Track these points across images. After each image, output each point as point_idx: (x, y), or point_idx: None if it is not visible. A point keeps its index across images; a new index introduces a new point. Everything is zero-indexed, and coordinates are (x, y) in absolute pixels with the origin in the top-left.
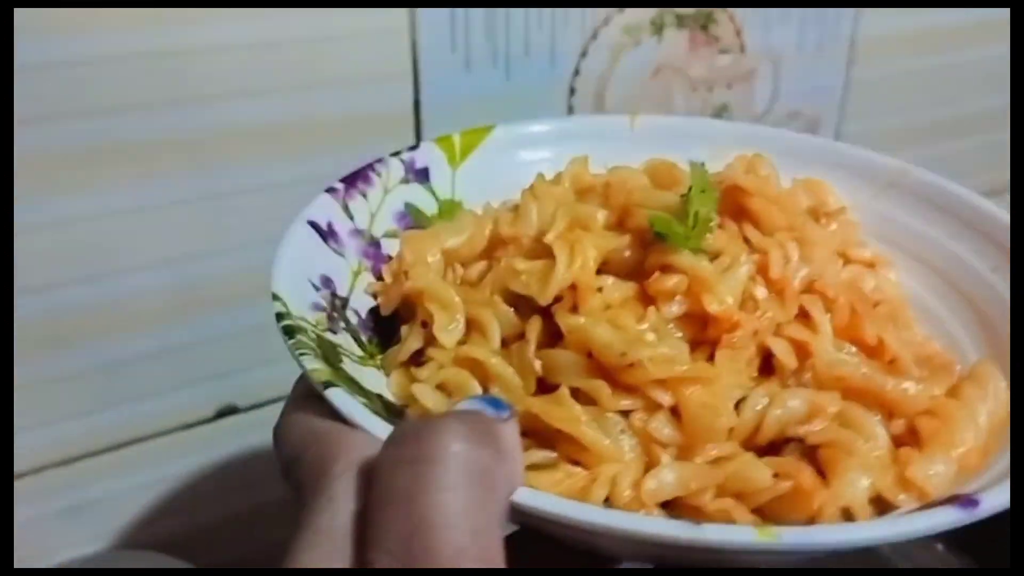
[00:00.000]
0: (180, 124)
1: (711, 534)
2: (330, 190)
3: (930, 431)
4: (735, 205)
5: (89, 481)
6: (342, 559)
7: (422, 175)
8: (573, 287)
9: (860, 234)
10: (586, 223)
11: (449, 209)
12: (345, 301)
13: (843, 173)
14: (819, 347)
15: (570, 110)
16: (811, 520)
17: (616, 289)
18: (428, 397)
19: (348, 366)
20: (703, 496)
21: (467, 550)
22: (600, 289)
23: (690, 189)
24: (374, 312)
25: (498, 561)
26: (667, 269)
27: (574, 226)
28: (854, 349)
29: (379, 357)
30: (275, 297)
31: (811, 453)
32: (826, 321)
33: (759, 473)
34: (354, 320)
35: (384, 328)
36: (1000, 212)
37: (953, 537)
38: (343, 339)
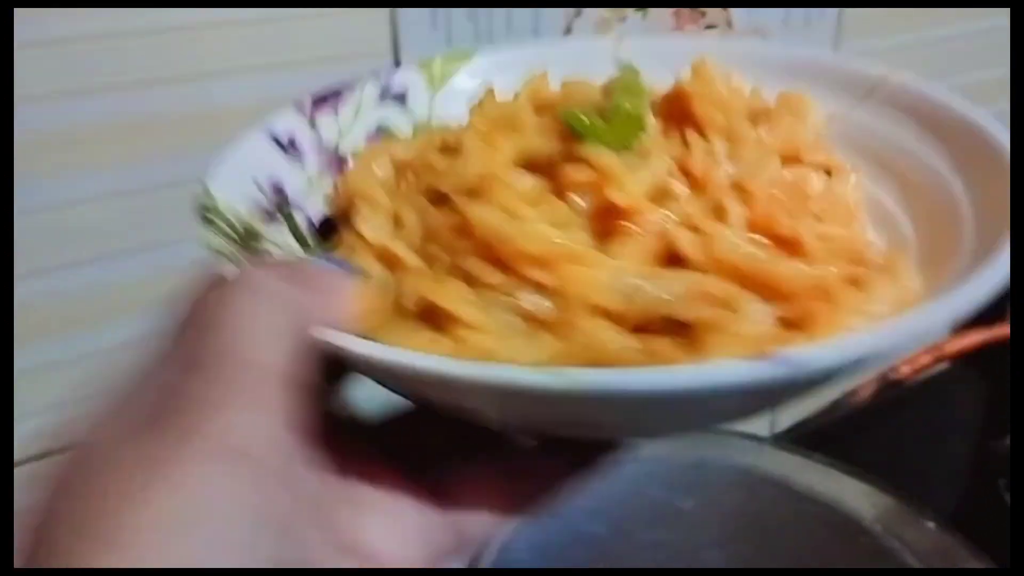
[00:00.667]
0: (156, 106)
1: (489, 372)
2: (298, 105)
3: (820, 312)
4: (680, 110)
5: None
6: (128, 413)
7: (399, 98)
8: (490, 180)
9: (825, 142)
10: (514, 124)
11: (424, 132)
12: (294, 205)
13: (826, 84)
14: (720, 235)
15: None
16: None
17: (529, 183)
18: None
19: (275, 253)
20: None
21: (254, 359)
22: (508, 182)
23: (612, 90)
24: (328, 221)
25: (285, 375)
26: (578, 163)
27: (500, 126)
28: (765, 240)
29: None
30: (204, 189)
31: (689, 333)
32: (737, 212)
33: (617, 343)
34: (301, 222)
35: (335, 231)
36: (969, 111)
37: (944, 515)
38: (279, 235)
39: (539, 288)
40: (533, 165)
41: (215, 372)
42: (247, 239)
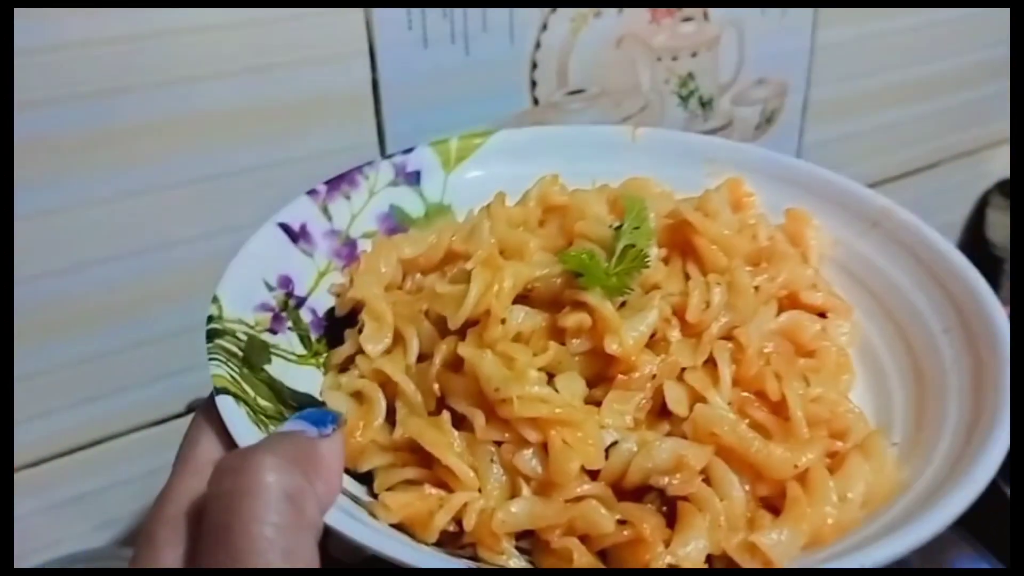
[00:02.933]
0: (130, 113)
1: None
2: (311, 192)
3: (792, 498)
4: (684, 240)
5: (85, 473)
6: None
7: (412, 178)
8: (488, 314)
9: (824, 276)
10: (520, 250)
11: (437, 213)
12: (302, 300)
13: (833, 206)
14: (712, 398)
15: (533, 85)
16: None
17: (528, 320)
18: (338, 403)
19: (277, 366)
20: (551, 533)
21: (279, 567)
22: (504, 320)
23: (620, 225)
24: (333, 311)
25: (314, 562)
26: (577, 306)
27: (506, 252)
28: (756, 402)
29: (324, 356)
30: (214, 300)
31: (673, 503)
32: (727, 372)
33: (603, 518)
34: (308, 319)
35: (342, 326)
36: (967, 269)
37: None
38: (285, 339)
39: (529, 445)
40: (534, 295)
41: None
42: (251, 353)
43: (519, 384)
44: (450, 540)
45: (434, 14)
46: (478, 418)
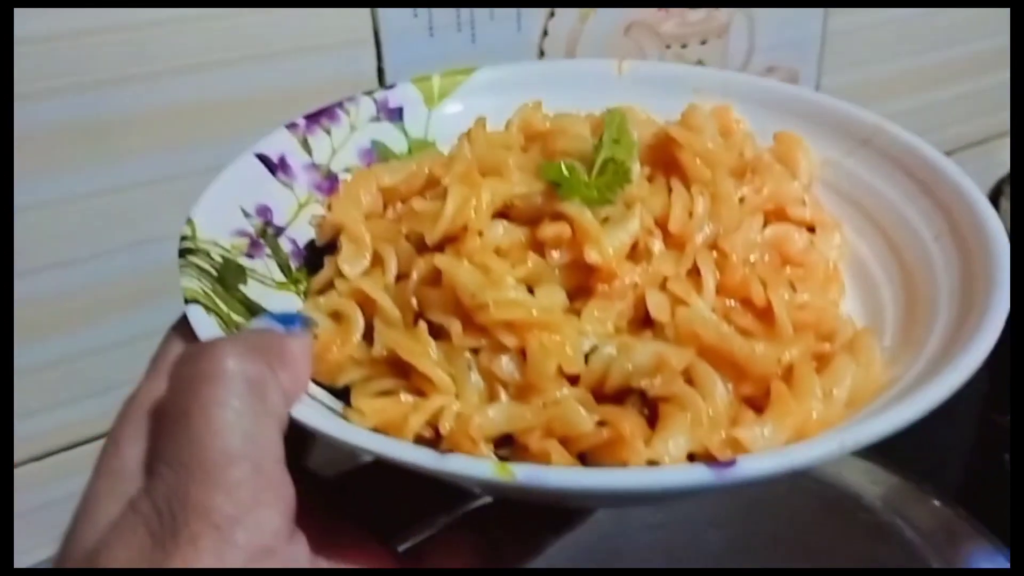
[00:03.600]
0: (135, 102)
1: (452, 464)
2: (290, 125)
3: (776, 394)
4: (667, 157)
5: (84, 470)
6: (130, 489)
7: (395, 114)
8: (466, 229)
9: (814, 193)
10: (498, 168)
11: (420, 148)
12: (280, 229)
13: (822, 127)
14: (695, 303)
15: None
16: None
17: (508, 234)
18: (315, 322)
19: (254, 288)
20: (530, 436)
21: (238, 453)
22: (480, 233)
23: (601, 137)
24: (314, 245)
25: (270, 462)
26: (556, 217)
27: (485, 172)
28: (737, 306)
29: (304, 284)
30: (188, 221)
31: (655, 405)
32: (711, 278)
33: (581, 418)
34: (288, 248)
35: (322, 256)
36: (958, 176)
37: (949, 491)
38: (263, 264)
39: (506, 351)
40: (514, 212)
41: (217, 476)
42: (226, 274)
43: (495, 289)
44: (428, 447)
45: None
46: (454, 325)
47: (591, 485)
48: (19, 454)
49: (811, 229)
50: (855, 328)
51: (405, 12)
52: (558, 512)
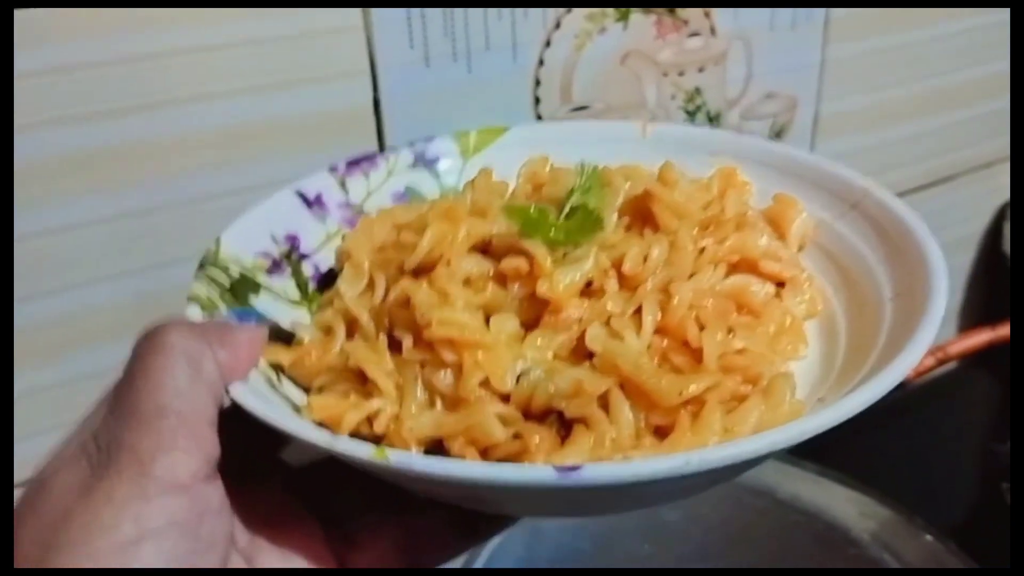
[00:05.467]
0: (131, 133)
1: (340, 445)
2: (332, 168)
3: (678, 426)
4: (645, 208)
5: None
6: (86, 434)
7: (431, 163)
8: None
9: (792, 251)
10: (485, 210)
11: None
12: (305, 256)
13: (820, 190)
14: (629, 338)
15: (536, 101)
16: None
17: (476, 267)
18: (304, 333)
19: (265, 301)
20: (453, 441)
21: (167, 407)
22: (449, 263)
23: (572, 190)
24: (332, 272)
25: (196, 418)
26: (519, 253)
27: (476, 212)
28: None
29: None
30: (215, 240)
31: (571, 425)
32: (651, 318)
33: (495, 428)
34: (310, 272)
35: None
36: (924, 239)
37: (946, 524)
38: (280, 283)
39: (445, 365)
40: (492, 249)
41: (148, 423)
42: (239, 286)
43: (441, 309)
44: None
45: (435, 32)
46: (406, 339)
47: (448, 473)
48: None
49: (782, 284)
50: (785, 375)
51: (401, 43)
52: (482, 519)
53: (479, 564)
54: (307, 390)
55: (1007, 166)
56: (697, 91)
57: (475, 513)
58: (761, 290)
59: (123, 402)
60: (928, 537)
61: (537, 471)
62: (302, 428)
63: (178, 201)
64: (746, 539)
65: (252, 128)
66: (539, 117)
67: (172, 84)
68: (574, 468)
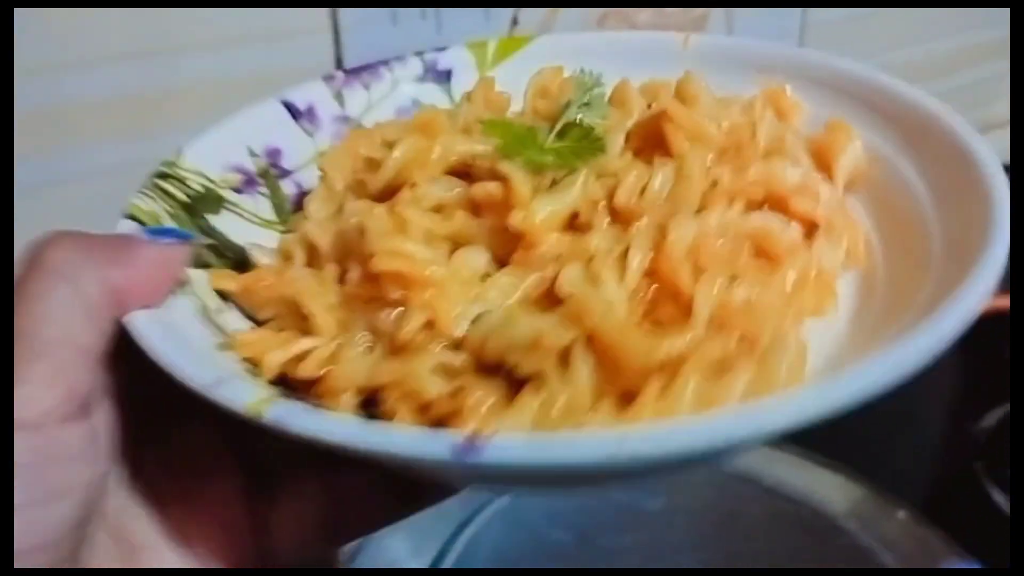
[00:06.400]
0: (84, 89)
1: (220, 392)
2: (327, 78)
3: (643, 394)
4: (659, 131)
5: None
6: None
7: (443, 76)
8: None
9: (837, 190)
10: (471, 127)
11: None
12: (287, 172)
13: (885, 118)
14: (608, 283)
15: None
16: None
17: (444, 188)
18: (262, 257)
19: (227, 220)
20: (388, 393)
21: (23, 331)
22: (413, 185)
23: (568, 102)
24: None
25: (59, 344)
26: (495, 177)
27: (466, 128)
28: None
29: None
30: (176, 150)
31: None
32: (637, 259)
33: (428, 383)
34: (290, 190)
35: None
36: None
37: (917, 502)
38: (251, 201)
39: (392, 304)
40: (474, 171)
41: (14, 349)
42: (197, 203)
43: (390, 239)
44: (303, 388)
45: None
46: (354, 271)
47: (325, 436)
48: None
49: (816, 228)
50: (792, 339)
51: None
52: (417, 488)
53: (453, 555)
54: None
55: (993, 135)
56: None
57: (409, 480)
58: (786, 233)
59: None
60: (902, 515)
61: (428, 444)
62: (185, 366)
63: (130, 162)
64: (732, 527)
65: (207, 86)
66: None
67: (115, 39)
68: (474, 444)
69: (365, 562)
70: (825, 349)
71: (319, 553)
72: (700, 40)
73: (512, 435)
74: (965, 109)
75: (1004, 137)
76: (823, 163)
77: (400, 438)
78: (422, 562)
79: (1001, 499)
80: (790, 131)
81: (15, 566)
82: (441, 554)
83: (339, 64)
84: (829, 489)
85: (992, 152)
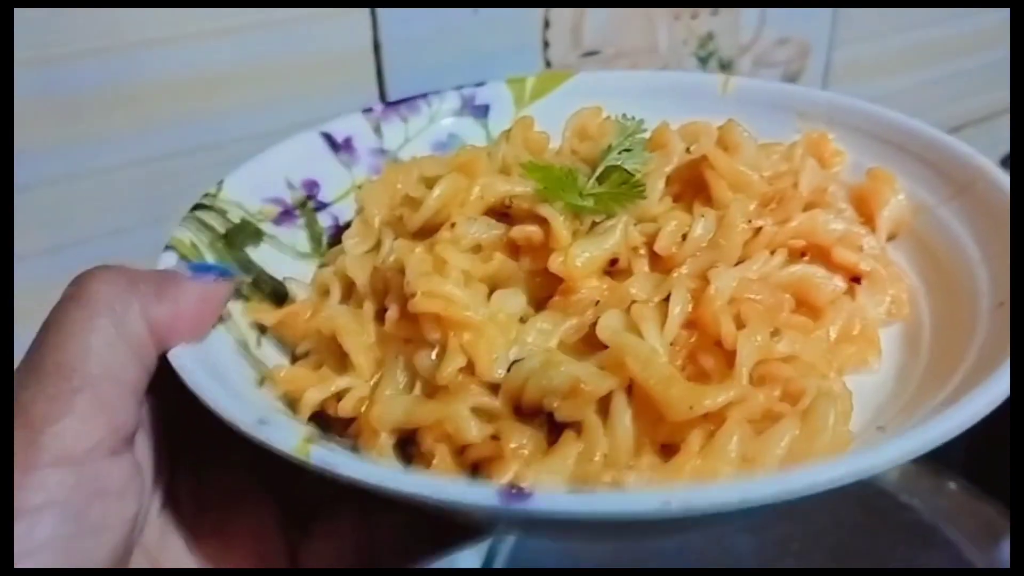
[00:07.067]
0: (118, 76)
1: (263, 432)
2: (366, 110)
3: (685, 445)
4: (699, 176)
5: None
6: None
7: (480, 111)
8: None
9: (880, 240)
10: (510, 167)
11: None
12: (324, 205)
13: (926, 167)
14: (648, 331)
15: (545, 45)
16: None
17: (486, 231)
18: (299, 291)
19: (265, 253)
20: (425, 435)
21: (68, 366)
22: (453, 225)
23: (609, 147)
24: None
25: (104, 379)
26: (535, 220)
27: (504, 169)
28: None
29: None
30: (218, 183)
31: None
32: (679, 308)
33: (468, 426)
34: (326, 223)
35: None
36: None
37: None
38: (289, 234)
39: (431, 345)
40: (513, 212)
41: (52, 384)
42: (236, 234)
43: (429, 279)
44: (340, 426)
45: None
46: (392, 311)
47: (374, 481)
48: None
49: (858, 280)
50: (840, 395)
51: None
52: (450, 529)
53: (509, 542)
54: (296, 357)
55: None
56: (709, 36)
57: (443, 522)
58: (829, 285)
59: (29, 357)
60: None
61: (475, 491)
62: (229, 405)
63: (166, 152)
64: (791, 512)
65: (246, 71)
66: (548, 63)
67: (158, 22)
68: (521, 493)
69: None
70: (870, 403)
71: None
72: (738, 84)
73: (557, 485)
74: (988, 90)
75: (981, 133)
76: (865, 212)
77: (447, 486)
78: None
79: None
80: (832, 180)
81: None
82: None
83: (377, 48)
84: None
85: None
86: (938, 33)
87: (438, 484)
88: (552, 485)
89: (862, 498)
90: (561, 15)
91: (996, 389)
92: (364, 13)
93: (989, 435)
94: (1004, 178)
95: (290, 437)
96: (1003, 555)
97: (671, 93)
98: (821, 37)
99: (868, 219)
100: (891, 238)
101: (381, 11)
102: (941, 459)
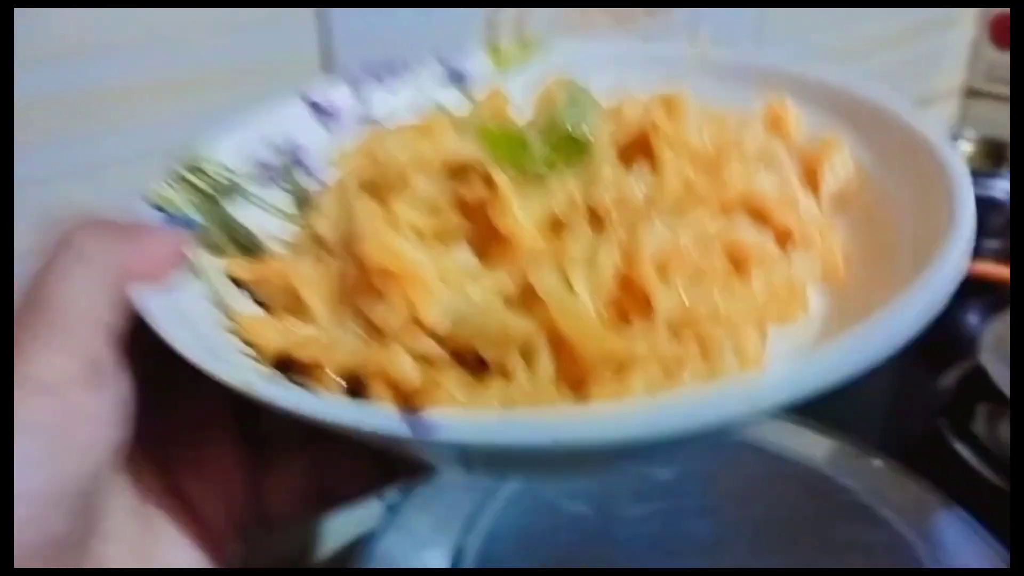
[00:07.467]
0: (49, 82)
1: (216, 366)
2: (351, 77)
3: (598, 384)
4: (644, 143)
5: None
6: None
7: (461, 79)
8: None
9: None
10: (464, 127)
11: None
12: (308, 169)
13: (865, 132)
14: (577, 283)
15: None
16: None
17: (439, 188)
18: (278, 248)
19: (246, 209)
20: (373, 379)
21: (46, 304)
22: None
23: (558, 111)
24: None
25: (75, 314)
26: (482, 179)
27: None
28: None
29: None
30: (204, 144)
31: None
32: (604, 264)
33: (402, 365)
34: (312, 187)
35: None
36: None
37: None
38: (273, 194)
39: (380, 296)
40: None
41: (34, 323)
42: (220, 193)
43: (377, 232)
44: (302, 370)
45: None
46: (347, 263)
47: (303, 410)
48: None
49: (790, 238)
50: (751, 348)
51: None
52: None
53: (479, 533)
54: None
55: (943, 105)
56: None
57: (386, 455)
58: (758, 241)
59: (20, 302)
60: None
61: (381, 415)
62: (187, 341)
63: (99, 162)
64: (739, 491)
65: (187, 77)
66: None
67: (92, 28)
68: (426, 421)
69: (390, 536)
70: (789, 355)
71: (310, 518)
72: (711, 53)
73: (463, 414)
74: (915, 80)
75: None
76: (811, 175)
77: (358, 412)
78: (447, 537)
79: (967, 454)
80: (781, 144)
81: (29, 526)
82: (465, 528)
83: (325, 49)
84: (805, 444)
85: (961, 160)
86: (867, 30)
87: (350, 411)
88: (459, 415)
89: (806, 482)
90: (505, 15)
91: (893, 323)
92: (310, 17)
93: (900, 410)
94: (932, 132)
95: (239, 372)
96: (937, 530)
97: (644, 62)
98: (750, 37)
99: (812, 181)
100: (840, 204)
101: (330, 11)
102: (862, 437)
